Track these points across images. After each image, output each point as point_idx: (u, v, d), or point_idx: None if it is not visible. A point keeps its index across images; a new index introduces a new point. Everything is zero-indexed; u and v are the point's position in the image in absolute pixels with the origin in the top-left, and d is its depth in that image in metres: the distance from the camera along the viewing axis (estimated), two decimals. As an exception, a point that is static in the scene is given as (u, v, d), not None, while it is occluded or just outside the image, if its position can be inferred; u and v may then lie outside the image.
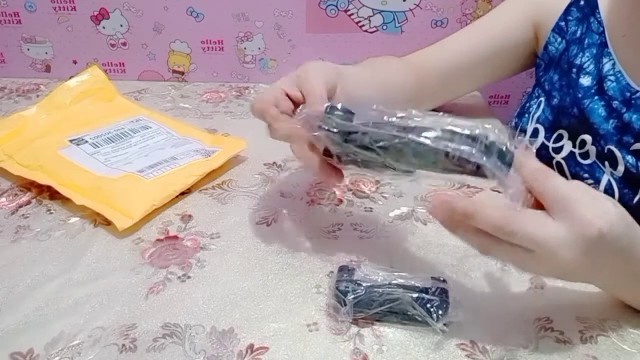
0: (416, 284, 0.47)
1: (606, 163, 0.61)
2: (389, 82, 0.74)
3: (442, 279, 0.48)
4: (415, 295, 0.46)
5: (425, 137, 0.42)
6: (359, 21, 0.96)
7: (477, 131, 0.41)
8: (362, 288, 0.47)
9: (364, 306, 0.47)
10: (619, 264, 0.43)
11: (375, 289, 0.47)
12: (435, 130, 0.42)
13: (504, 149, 0.40)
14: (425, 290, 0.46)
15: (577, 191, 0.41)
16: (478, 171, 0.41)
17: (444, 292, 0.46)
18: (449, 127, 0.42)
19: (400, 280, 0.47)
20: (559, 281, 0.53)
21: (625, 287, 0.47)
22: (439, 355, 0.45)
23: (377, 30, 0.97)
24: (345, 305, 0.46)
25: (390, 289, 0.46)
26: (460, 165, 0.41)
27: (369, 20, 0.96)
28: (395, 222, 0.61)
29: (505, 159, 0.40)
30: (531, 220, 0.40)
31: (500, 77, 0.79)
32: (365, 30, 0.97)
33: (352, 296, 0.46)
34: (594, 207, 0.41)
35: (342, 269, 0.50)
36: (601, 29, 0.64)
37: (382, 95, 0.71)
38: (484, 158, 0.40)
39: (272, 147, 0.75)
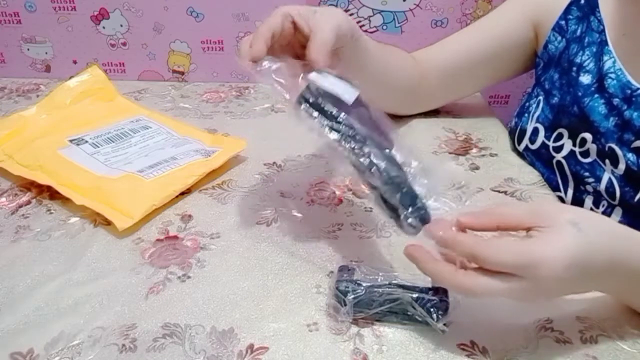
0: (416, 284, 0.47)
1: (607, 161, 0.61)
2: (396, 65, 0.74)
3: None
4: (415, 295, 0.46)
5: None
6: (359, 21, 0.96)
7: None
8: (362, 288, 0.47)
9: (364, 306, 0.47)
10: (605, 275, 0.43)
11: (375, 289, 0.46)
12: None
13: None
14: (425, 291, 0.46)
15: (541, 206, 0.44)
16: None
17: (443, 292, 0.46)
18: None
19: (401, 281, 0.47)
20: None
21: (621, 292, 0.47)
22: (439, 355, 0.45)
23: (377, 30, 0.97)
24: (345, 305, 0.46)
25: (390, 289, 0.46)
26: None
27: (369, 20, 0.96)
28: (395, 222, 0.61)
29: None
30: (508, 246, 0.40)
31: (501, 78, 0.79)
32: (365, 30, 0.97)
33: (352, 296, 0.46)
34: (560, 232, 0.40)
35: (342, 268, 0.50)
36: (601, 27, 0.64)
37: (383, 76, 0.70)
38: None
39: (272, 147, 0.75)
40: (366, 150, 0.45)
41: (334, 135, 0.46)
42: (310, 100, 0.47)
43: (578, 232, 0.40)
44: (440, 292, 0.46)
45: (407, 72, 0.76)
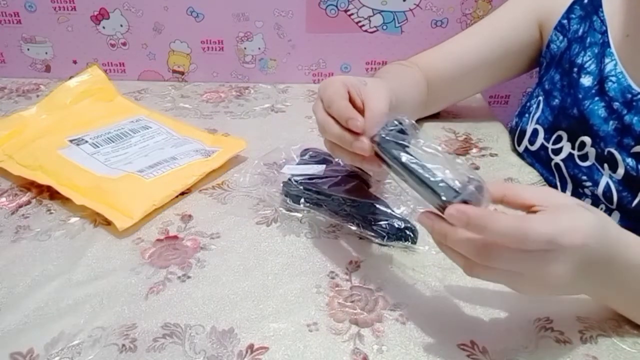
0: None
1: (605, 165, 0.61)
2: (414, 91, 0.74)
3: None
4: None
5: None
6: (359, 21, 0.96)
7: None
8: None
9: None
10: (603, 273, 0.43)
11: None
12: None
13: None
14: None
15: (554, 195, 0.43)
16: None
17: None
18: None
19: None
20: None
21: (615, 299, 0.47)
22: (439, 355, 0.45)
23: (377, 30, 0.97)
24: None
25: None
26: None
27: (369, 20, 0.96)
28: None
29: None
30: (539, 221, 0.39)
31: (504, 78, 0.78)
32: (365, 30, 0.97)
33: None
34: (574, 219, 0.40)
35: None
36: (604, 28, 0.63)
37: (410, 107, 0.72)
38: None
39: (272, 147, 0.75)
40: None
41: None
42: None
43: (591, 212, 0.41)
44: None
45: (420, 90, 0.75)
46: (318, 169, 0.55)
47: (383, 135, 0.46)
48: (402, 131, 0.46)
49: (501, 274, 0.41)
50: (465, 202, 0.40)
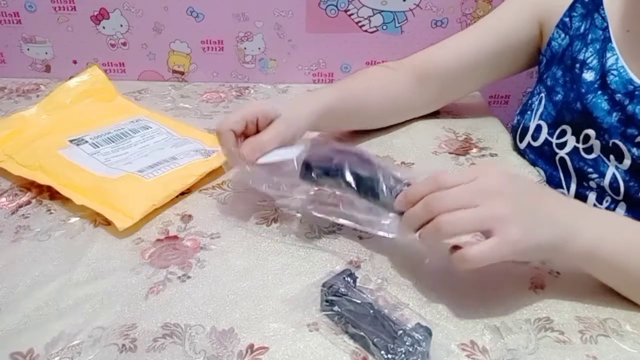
0: (395, 323, 0.45)
1: (611, 156, 0.61)
2: (389, 91, 0.77)
3: (429, 329, 0.44)
4: (381, 337, 0.44)
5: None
6: (359, 21, 0.96)
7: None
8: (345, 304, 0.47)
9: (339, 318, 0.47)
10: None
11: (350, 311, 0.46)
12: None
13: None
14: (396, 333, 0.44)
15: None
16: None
17: (415, 343, 0.43)
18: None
19: (382, 312, 0.46)
20: (559, 281, 0.53)
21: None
22: (439, 355, 0.45)
23: (377, 30, 0.97)
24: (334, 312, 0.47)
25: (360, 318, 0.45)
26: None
27: (369, 20, 0.96)
28: (395, 222, 0.61)
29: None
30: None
31: (502, 75, 0.79)
32: (365, 30, 0.97)
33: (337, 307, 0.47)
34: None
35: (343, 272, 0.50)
36: (605, 24, 0.64)
37: (383, 104, 0.77)
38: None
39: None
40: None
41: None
42: None
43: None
44: (412, 342, 0.43)
45: (402, 90, 0.78)
46: (294, 152, 0.58)
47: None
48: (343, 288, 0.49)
49: (463, 230, 0.46)
50: None
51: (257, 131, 0.59)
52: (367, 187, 0.53)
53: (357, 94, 0.74)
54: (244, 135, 0.59)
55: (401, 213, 0.51)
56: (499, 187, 0.46)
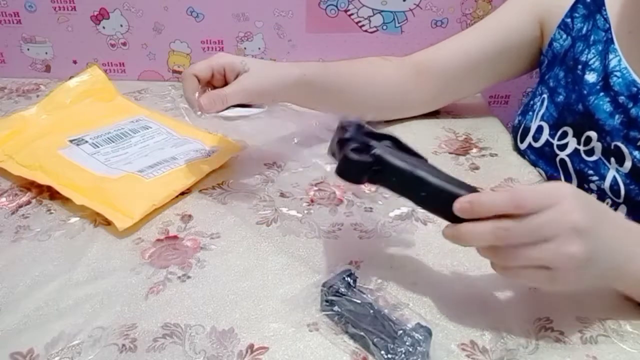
0: (395, 323, 0.45)
1: (612, 159, 0.61)
2: (381, 80, 0.76)
3: (429, 329, 0.44)
4: (381, 337, 0.44)
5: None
6: (359, 21, 0.96)
7: None
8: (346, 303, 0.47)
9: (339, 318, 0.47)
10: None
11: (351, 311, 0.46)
12: None
13: None
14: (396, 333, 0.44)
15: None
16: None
17: (416, 343, 0.43)
18: None
19: (382, 312, 0.46)
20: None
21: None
22: (439, 355, 0.45)
23: (377, 30, 0.97)
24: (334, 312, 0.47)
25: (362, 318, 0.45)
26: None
27: (369, 20, 0.96)
28: (395, 222, 0.61)
29: None
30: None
31: (504, 77, 0.79)
32: (365, 30, 0.97)
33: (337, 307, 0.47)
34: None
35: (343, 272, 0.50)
36: (607, 25, 0.64)
37: (371, 91, 0.76)
38: None
39: (272, 147, 0.75)
40: None
41: None
42: None
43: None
44: (412, 342, 0.43)
45: (396, 82, 0.77)
46: (253, 112, 0.60)
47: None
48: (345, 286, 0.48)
49: (527, 265, 0.42)
50: None
51: (225, 84, 0.59)
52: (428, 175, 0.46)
53: (343, 73, 0.73)
54: (212, 85, 0.59)
55: (452, 214, 0.44)
56: (575, 223, 0.41)
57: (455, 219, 0.44)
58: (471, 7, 0.95)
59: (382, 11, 0.95)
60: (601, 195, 0.63)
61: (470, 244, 0.44)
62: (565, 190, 0.43)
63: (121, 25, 0.96)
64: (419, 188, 0.45)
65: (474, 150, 0.76)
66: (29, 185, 0.66)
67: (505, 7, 0.76)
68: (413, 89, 0.78)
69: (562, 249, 0.41)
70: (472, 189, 0.45)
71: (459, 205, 0.43)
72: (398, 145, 0.49)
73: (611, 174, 0.61)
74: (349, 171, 0.46)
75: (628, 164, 0.60)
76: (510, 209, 0.41)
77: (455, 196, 0.43)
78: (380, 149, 0.46)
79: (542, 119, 0.70)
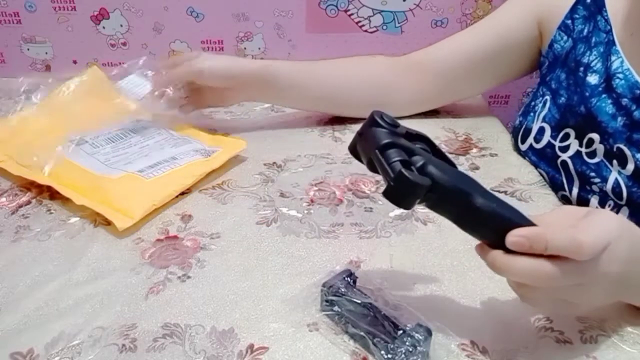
0: (395, 323, 0.44)
1: (614, 161, 0.61)
2: (371, 77, 0.77)
3: (429, 329, 0.44)
4: (381, 337, 0.44)
5: None
6: (359, 21, 0.96)
7: None
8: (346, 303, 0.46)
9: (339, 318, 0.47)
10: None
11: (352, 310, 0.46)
12: None
13: None
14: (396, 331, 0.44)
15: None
16: None
17: (416, 343, 0.43)
18: None
19: (382, 312, 0.46)
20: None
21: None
22: (439, 355, 0.45)
23: (377, 30, 0.97)
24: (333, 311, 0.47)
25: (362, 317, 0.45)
26: None
27: (369, 20, 0.96)
28: (395, 222, 0.61)
29: None
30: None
31: (504, 78, 0.79)
32: (365, 30, 0.97)
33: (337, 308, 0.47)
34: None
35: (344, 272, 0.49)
36: (608, 27, 0.64)
37: (356, 87, 0.78)
38: None
39: (272, 147, 0.75)
40: None
41: None
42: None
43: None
44: (412, 342, 0.43)
45: (369, 76, 0.78)
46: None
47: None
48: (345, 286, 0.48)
49: (558, 294, 0.40)
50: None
51: None
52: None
53: (315, 70, 0.75)
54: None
55: (493, 238, 0.40)
56: (613, 275, 0.40)
57: (494, 244, 0.40)
58: (471, 7, 0.95)
59: (382, 11, 0.95)
60: (603, 198, 0.63)
61: (503, 275, 0.41)
62: (616, 234, 0.40)
63: (121, 25, 0.97)
64: (472, 213, 0.40)
65: (474, 150, 0.76)
66: (29, 185, 0.66)
67: (504, 7, 0.76)
68: (403, 87, 0.78)
69: (592, 296, 0.41)
70: (525, 219, 0.40)
71: (514, 239, 0.38)
72: (432, 148, 0.44)
73: (613, 176, 0.61)
74: (404, 193, 0.38)
75: (631, 167, 0.59)
76: (569, 254, 0.38)
77: (511, 225, 0.39)
78: (430, 164, 0.40)
79: (543, 120, 0.70)
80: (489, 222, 0.39)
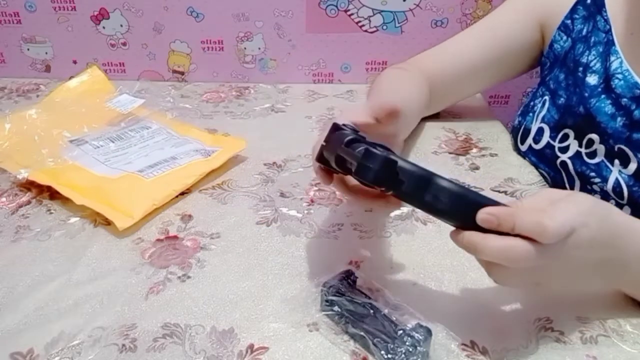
0: (395, 323, 0.45)
1: (616, 161, 0.61)
2: (416, 93, 0.76)
3: (429, 329, 0.44)
4: (381, 337, 0.44)
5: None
6: (359, 21, 0.96)
7: None
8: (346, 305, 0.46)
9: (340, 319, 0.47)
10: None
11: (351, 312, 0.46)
12: None
13: None
14: (396, 333, 0.44)
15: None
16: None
17: (416, 343, 0.43)
18: None
19: (382, 312, 0.46)
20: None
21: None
22: (439, 355, 0.45)
23: (377, 30, 0.97)
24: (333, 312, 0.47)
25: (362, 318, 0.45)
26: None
27: (369, 20, 0.96)
28: (395, 222, 0.61)
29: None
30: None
31: (505, 78, 0.78)
32: (365, 30, 0.97)
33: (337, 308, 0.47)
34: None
35: (345, 272, 0.49)
36: (608, 27, 0.63)
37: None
38: None
39: (272, 147, 0.75)
40: None
41: None
42: None
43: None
44: (412, 342, 0.43)
45: (420, 93, 0.76)
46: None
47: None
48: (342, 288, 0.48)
49: (527, 274, 0.42)
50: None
51: None
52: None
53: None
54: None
55: (463, 220, 0.42)
56: (586, 259, 0.42)
57: (465, 226, 0.41)
58: (471, 7, 0.95)
59: (382, 11, 0.95)
60: (604, 197, 0.63)
61: (475, 255, 0.42)
62: (583, 219, 0.41)
63: (121, 25, 0.96)
64: (434, 193, 0.41)
65: (474, 150, 0.76)
66: (29, 185, 0.66)
67: (504, 8, 0.76)
68: (429, 95, 0.77)
69: (562, 278, 0.42)
70: (497, 203, 0.41)
71: (484, 216, 0.40)
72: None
73: (614, 175, 0.61)
74: (373, 169, 0.41)
75: (633, 166, 0.59)
76: (534, 237, 0.39)
77: (478, 205, 0.40)
78: (392, 153, 0.42)
79: (542, 120, 0.70)
80: (458, 202, 0.41)
